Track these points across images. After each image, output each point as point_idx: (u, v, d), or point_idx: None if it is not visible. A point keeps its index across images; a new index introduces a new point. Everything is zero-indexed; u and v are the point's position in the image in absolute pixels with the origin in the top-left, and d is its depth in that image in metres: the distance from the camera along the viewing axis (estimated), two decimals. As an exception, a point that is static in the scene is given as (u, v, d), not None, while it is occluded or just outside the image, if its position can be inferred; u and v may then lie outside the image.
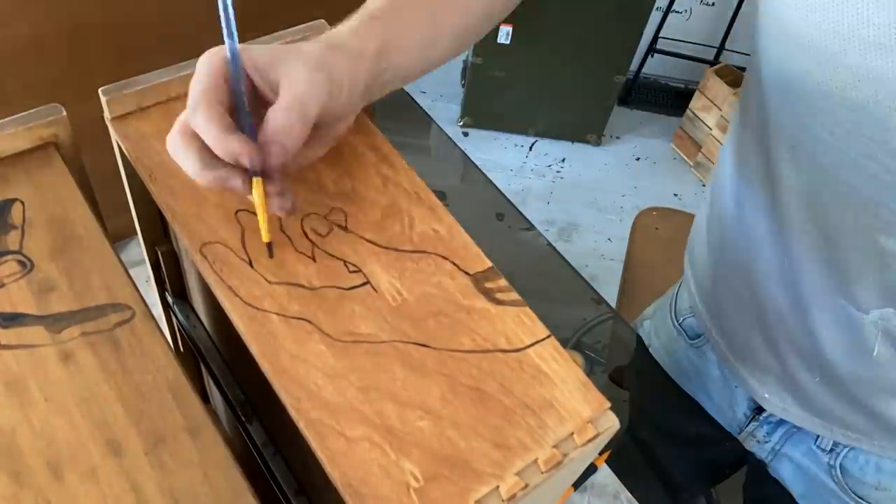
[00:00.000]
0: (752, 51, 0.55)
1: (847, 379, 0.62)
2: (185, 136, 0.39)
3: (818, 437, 0.71)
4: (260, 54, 0.40)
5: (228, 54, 0.39)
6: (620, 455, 0.85)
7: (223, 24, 0.39)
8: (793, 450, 0.74)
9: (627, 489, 0.83)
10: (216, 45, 0.50)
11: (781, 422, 0.73)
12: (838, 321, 0.58)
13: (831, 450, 0.70)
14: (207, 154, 0.39)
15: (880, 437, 0.65)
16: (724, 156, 0.68)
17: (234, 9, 0.40)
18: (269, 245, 0.41)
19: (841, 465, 0.70)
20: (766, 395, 0.70)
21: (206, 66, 0.39)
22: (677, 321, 0.83)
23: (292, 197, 0.42)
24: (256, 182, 0.39)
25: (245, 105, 0.40)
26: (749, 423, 0.76)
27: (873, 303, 0.56)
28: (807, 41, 0.47)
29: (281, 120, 0.38)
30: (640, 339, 0.91)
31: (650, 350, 0.89)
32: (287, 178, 0.42)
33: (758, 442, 0.77)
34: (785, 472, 0.76)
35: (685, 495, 0.94)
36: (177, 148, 0.39)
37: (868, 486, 0.69)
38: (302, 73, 0.39)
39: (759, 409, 0.74)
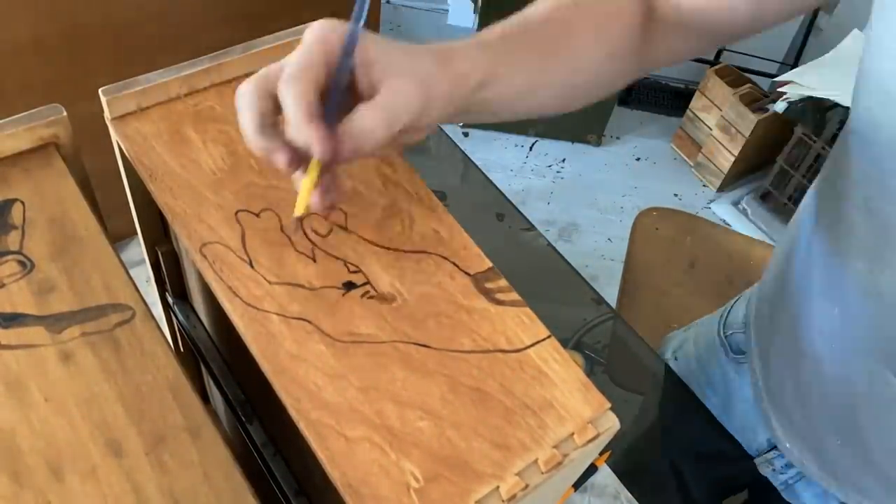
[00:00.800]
0: (853, 109, 0.53)
1: (875, 447, 0.60)
2: (261, 94, 0.37)
3: None
4: (374, 48, 0.38)
5: (347, 40, 0.37)
6: (634, 462, 0.85)
7: (356, 8, 0.37)
8: (805, 490, 0.73)
9: (634, 496, 0.83)
10: (216, 45, 0.50)
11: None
12: (878, 391, 0.56)
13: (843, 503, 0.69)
14: (271, 121, 0.38)
15: (884, 495, 0.64)
16: (810, 194, 0.65)
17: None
18: (300, 219, 0.40)
19: None
20: (788, 445, 0.70)
21: (320, 42, 0.37)
22: (724, 333, 0.81)
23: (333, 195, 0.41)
24: (315, 164, 0.39)
25: (339, 94, 0.38)
26: (770, 450, 0.75)
27: None
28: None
29: (368, 123, 0.37)
30: (657, 353, 0.90)
31: (676, 359, 0.87)
32: (339, 176, 0.41)
33: (773, 470, 0.75)
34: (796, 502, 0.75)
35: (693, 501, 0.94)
36: (246, 100, 0.38)
37: None
38: (404, 86, 0.38)
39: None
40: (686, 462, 0.88)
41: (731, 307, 0.83)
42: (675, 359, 0.89)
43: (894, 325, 0.53)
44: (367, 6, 0.38)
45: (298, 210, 0.40)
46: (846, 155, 0.54)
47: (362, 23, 0.38)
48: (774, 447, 0.74)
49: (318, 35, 0.37)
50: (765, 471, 0.77)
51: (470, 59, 0.42)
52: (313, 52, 0.37)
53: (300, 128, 0.36)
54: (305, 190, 0.39)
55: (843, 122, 0.52)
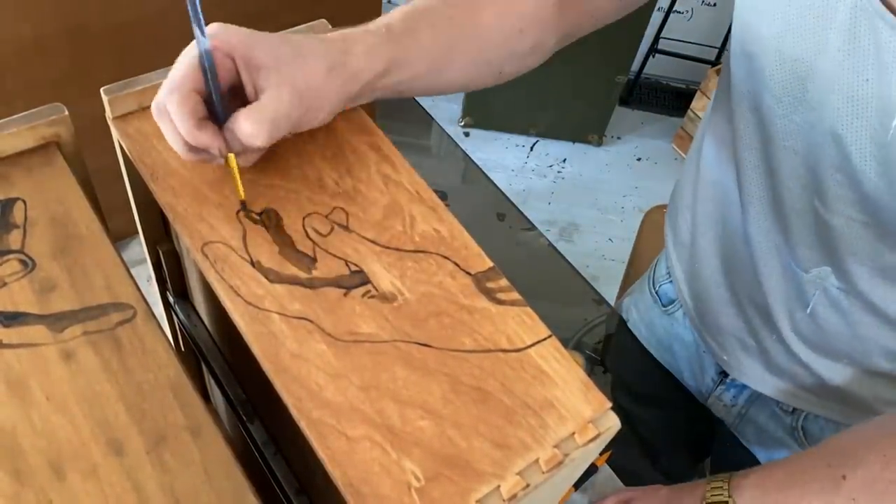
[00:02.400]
0: (732, 21, 0.59)
1: (792, 339, 0.65)
2: (163, 116, 0.41)
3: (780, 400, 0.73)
4: (261, 54, 0.41)
5: (199, 51, 0.40)
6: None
7: (193, 22, 0.40)
8: (757, 413, 0.77)
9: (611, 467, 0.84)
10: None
11: (746, 386, 0.75)
12: (785, 277, 0.62)
13: (793, 411, 0.73)
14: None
15: (826, 397, 0.68)
16: (703, 119, 0.71)
17: (204, 8, 0.40)
18: (244, 202, 0.44)
19: (803, 426, 0.73)
20: (726, 357, 0.74)
21: (187, 55, 0.41)
22: (654, 289, 0.86)
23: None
24: (230, 157, 0.43)
25: (219, 98, 0.42)
26: (716, 387, 0.79)
27: (812, 262, 0.59)
28: (765, 8, 0.51)
29: (247, 129, 0.40)
30: (620, 318, 0.94)
31: (628, 325, 0.92)
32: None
33: (724, 406, 0.79)
34: (750, 437, 0.79)
35: (671, 469, 0.96)
36: (160, 123, 0.42)
37: None
38: (285, 96, 0.41)
39: (725, 374, 0.77)
40: (648, 417, 0.92)
41: (655, 265, 0.88)
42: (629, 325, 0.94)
43: (789, 219, 0.59)
44: (198, 7, 0.40)
45: (241, 195, 0.44)
46: (729, 74, 0.60)
47: (203, 31, 0.40)
48: (720, 382, 0.78)
49: (187, 50, 0.41)
50: (717, 410, 0.80)
51: (367, 55, 0.44)
52: (185, 64, 0.41)
53: (192, 134, 0.40)
54: (235, 178, 0.43)
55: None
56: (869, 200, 0.51)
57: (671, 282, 0.83)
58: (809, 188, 0.55)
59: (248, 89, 0.42)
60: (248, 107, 0.41)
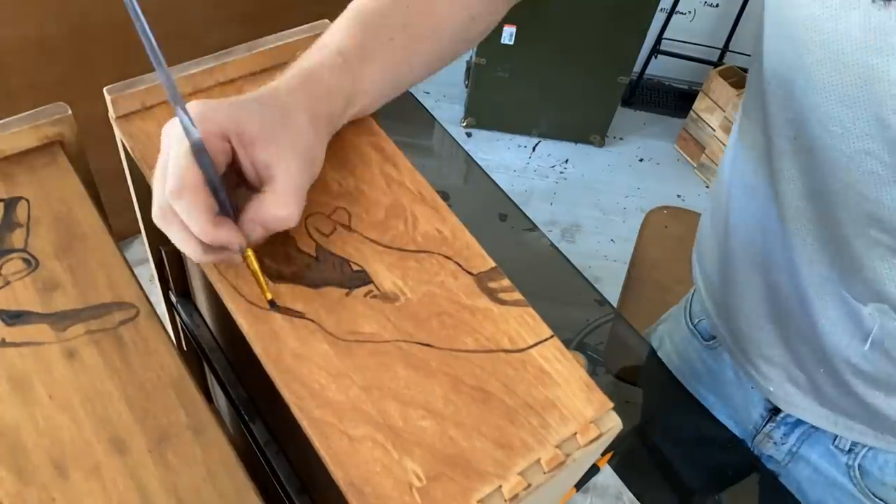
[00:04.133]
0: (755, 47, 0.56)
1: (847, 371, 0.62)
2: (174, 223, 0.38)
3: (836, 437, 0.70)
4: (251, 127, 0.39)
5: (190, 143, 0.37)
6: (631, 459, 0.85)
7: (177, 111, 0.36)
8: (810, 451, 0.73)
9: (634, 495, 0.83)
10: (220, 45, 0.50)
11: (798, 423, 0.72)
12: (838, 310, 0.59)
13: (850, 450, 0.69)
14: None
15: (881, 430, 0.65)
16: (729, 149, 0.68)
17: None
18: (273, 301, 0.40)
19: (860, 465, 0.69)
20: (772, 389, 0.70)
21: (179, 145, 0.37)
22: (692, 323, 0.82)
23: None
24: (250, 256, 0.40)
25: (222, 187, 0.38)
26: (766, 424, 0.75)
27: (869, 295, 0.56)
28: (804, 37, 0.48)
29: (283, 214, 0.38)
30: (650, 347, 0.91)
31: (659, 354, 0.88)
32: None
33: (774, 444, 0.76)
34: (801, 476, 0.75)
35: (695, 500, 0.94)
36: (166, 229, 0.39)
37: (888, 488, 0.68)
38: (294, 166, 0.39)
39: (775, 410, 0.74)
40: (679, 451, 0.89)
41: (692, 298, 0.84)
42: (659, 354, 0.91)
43: (843, 250, 0.55)
44: (179, 94, 0.37)
45: (268, 294, 0.40)
46: (763, 102, 0.56)
47: (190, 119, 0.37)
48: (769, 419, 0.75)
49: (177, 140, 0.37)
50: (766, 448, 0.77)
51: (329, 97, 0.43)
52: (182, 155, 0.37)
53: (209, 234, 0.37)
54: (258, 276, 0.40)
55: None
56: None
57: (707, 318, 0.79)
58: (863, 217, 0.52)
59: (246, 164, 0.39)
60: (269, 193, 0.38)
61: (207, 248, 0.38)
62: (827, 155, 0.51)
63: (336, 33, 0.45)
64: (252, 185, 0.40)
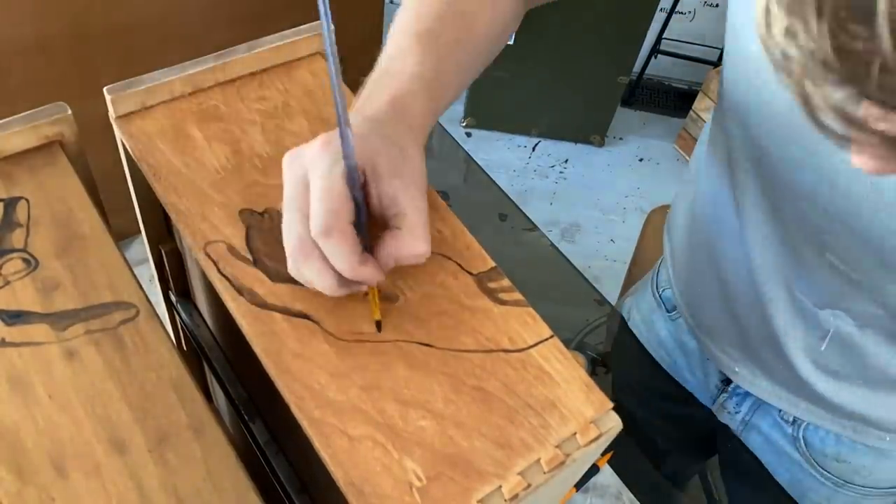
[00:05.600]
0: (722, 73, 0.57)
1: (802, 363, 0.64)
2: (312, 255, 0.37)
3: (781, 409, 0.73)
4: (380, 163, 0.39)
5: (349, 181, 0.37)
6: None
7: (343, 147, 0.36)
8: (760, 421, 0.76)
9: (615, 471, 0.84)
10: (221, 44, 0.50)
11: (748, 394, 0.75)
12: (794, 312, 0.61)
13: (794, 421, 0.72)
14: (338, 274, 0.38)
15: (836, 415, 0.67)
16: (701, 143, 0.70)
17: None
18: (380, 322, 0.40)
19: (804, 436, 0.72)
20: (736, 369, 0.73)
21: (330, 179, 0.37)
22: (657, 292, 0.85)
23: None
24: (373, 292, 0.40)
25: (363, 221, 0.39)
26: (720, 394, 0.78)
27: (826, 302, 0.58)
28: (764, 73, 0.48)
29: (421, 248, 0.39)
30: (622, 318, 0.93)
31: (629, 324, 0.91)
32: None
33: (728, 413, 0.79)
34: (754, 443, 0.78)
35: (673, 468, 0.95)
36: (304, 264, 0.38)
37: (829, 459, 0.71)
38: (419, 200, 0.39)
39: (729, 381, 0.76)
40: (651, 416, 0.91)
41: (658, 268, 0.87)
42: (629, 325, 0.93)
43: (799, 262, 0.57)
44: (351, 144, 0.36)
45: (376, 315, 0.40)
46: (727, 124, 0.58)
47: (354, 161, 0.37)
48: (723, 390, 0.78)
49: (327, 171, 0.37)
50: (722, 416, 0.80)
51: (423, 113, 0.43)
52: (334, 194, 0.36)
53: (356, 273, 0.37)
54: (375, 301, 0.40)
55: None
56: (885, 249, 0.49)
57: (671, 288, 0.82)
58: (819, 244, 0.53)
59: (373, 198, 0.39)
60: (404, 228, 0.38)
61: (344, 282, 0.38)
62: (784, 185, 0.53)
63: (402, 58, 0.45)
64: (375, 217, 0.40)
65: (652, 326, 0.87)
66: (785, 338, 0.63)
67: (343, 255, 0.36)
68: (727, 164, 0.60)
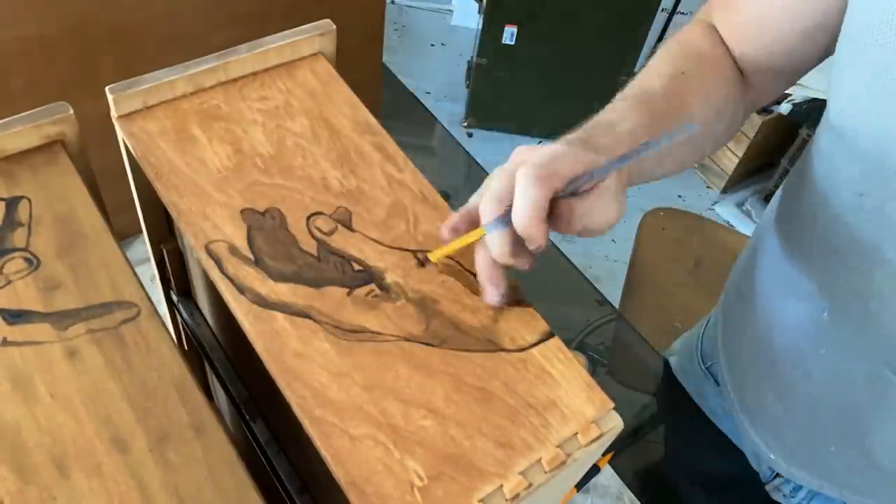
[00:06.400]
0: (829, 102, 0.55)
1: (877, 447, 0.60)
2: (506, 193, 0.39)
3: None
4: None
5: (596, 174, 0.40)
6: (652, 493, 0.83)
7: (629, 151, 0.40)
8: None
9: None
10: (223, 44, 0.50)
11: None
12: (879, 391, 0.57)
13: None
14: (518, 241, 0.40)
15: (887, 493, 0.64)
16: (776, 207, 0.66)
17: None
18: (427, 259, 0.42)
19: None
20: (773, 457, 0.69)
21: (570, 160, 0.40)
22: (704, 365, 0.81)
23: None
24: (480, 231, 0.41)
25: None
26: (774, 477, 0.75)
27: None
28: (860, 145, 0.48)
29: (615, 217, 0.41)
30: (670, 373, 0.89)
31: (684, 387, 0.86)
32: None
33: (783, 496, 0.75)
34: None
35: None
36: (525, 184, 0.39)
37: None
38: (616, 207, 0.42)
39: None
40: (695, 485, 0.87)
41: (702, 336, 0.82)
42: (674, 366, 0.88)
43: (892, 325, 0.53)
44: (636, 156, 0.40)
45: (434, 256, 0.42)
46: (829, 154, 0.55)
47: (620, 166, 0.40)
48: (777, 474, 0.73)
49: (569, 154, 0.40)
50: (778, 497, 0.76)
51: (619, 152, 0.45)
52: (563, 164, 0.39)
53: (532, 224, 0.38)
54: (461, 242, 0.41)
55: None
56: None
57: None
58: None
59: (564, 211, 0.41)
60: (609, 190, 0.41)
61: (515, 242, 0.40)
62: (890, 222, 0.49)
63: (622, 112, 0.48)
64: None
65: (704, 396, 0.82)
66: (871, 430, 0.59)
67: (532, 201, 0.38)
68: (821, 202, 0.56)
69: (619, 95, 0.51)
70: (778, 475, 0.74)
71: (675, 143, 0.50)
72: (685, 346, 0.87)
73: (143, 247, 0.58)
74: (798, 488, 0.73)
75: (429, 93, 2.37)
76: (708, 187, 2.25)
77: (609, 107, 0.49)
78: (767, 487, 0.77)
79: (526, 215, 0.38)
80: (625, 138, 0.45)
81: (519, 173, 0.38)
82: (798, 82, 0.59)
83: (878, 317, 0.54)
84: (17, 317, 0.41)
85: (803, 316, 0.60)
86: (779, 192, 0.66)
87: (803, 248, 0.60)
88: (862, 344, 0.56)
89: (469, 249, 0.43)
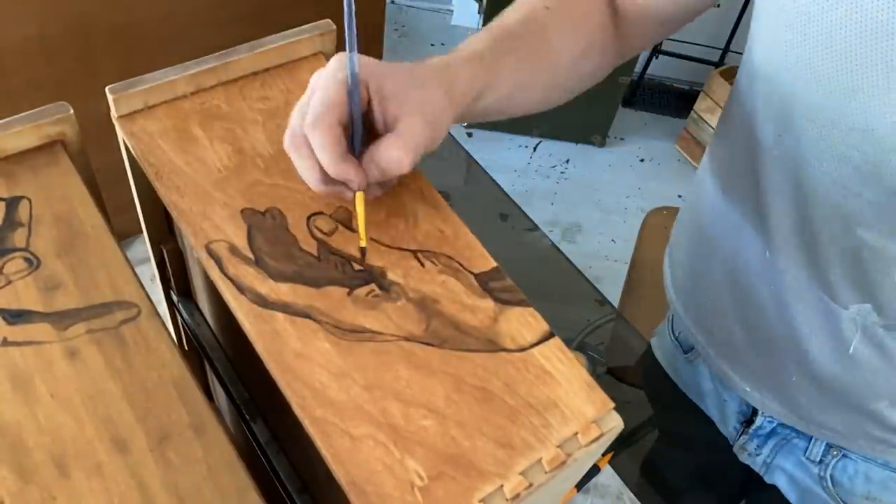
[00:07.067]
0: (748, 43, 0.57)
1: (826, 377, 0.62)
2: (302, 147, 0.41)
3: (807, 448, 0.71)
4: (390, 84, 0.42)
5: (349, 76, 0.41)
6: (621, 459, 0.85)
7: (347, 39, 0.40)
8: (784, 461, 0.75)
9: (633, 492, 0.83)
10: (223, 44, 0.50)
11: (771, 434, 0.73)
12: (818, 315, 0.59)
13: (820, 461, 0.71)
14: (324, 170, 0.41)
15: (860, 438, 0.65)
16: (709, 152, 0.69)
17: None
18: (364, 250, 0.43)
19: (831, 475, 0.70)
20: (748, 389, 0.71)
21: (331, 81, 0.41)
22: (674, 334, 0.83)
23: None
24: (359, 197, 0.42)
25: (360, 126, 0.42)
26: (740, 436, 0.77)
27: (851, 297, 0.56)
28: (796, 28, 0.48)
29: (395, 154, 0.41)
30: (650, 350, 0.91)
31: (660, 362, 0.89)
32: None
33: (749, 455, 0.77)
34: (779, 483, 0.77)
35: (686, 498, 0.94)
36: (294, 154, 0.42)
37: (858, 497, 0.69)
38: (419, 124, 0.42)
39: (748, 423, 0.75)
40: (670, 449, 0.90)
41: (673, 312, 0.84)
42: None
43: (824, 251, 0.55)
44: (356, 37, 0.40)
45: (363, 242, 0.43)
46: (749, 100, 0.57)
47: (356, 56, 0.41)
48: (743, 432, 0.76)
49: (329, 76, 0.41)
50: (743, 458, 0.78)
51: (467, 78, 0.46)
52: (329, 93, 0.40)
53: (336, 166, 0.40)
54: (361, 220, 0.42)
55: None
56: None
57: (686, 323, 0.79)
58: (847, 215, 0.52)
59: (377, 117, 0.43)
60: (391, 135, 0.41)
61: (327, 179, 0.41)
62: (811, 151, 0.51)
63: (470, 44, 0.50)
64: (377, 137, 0.43)
65: (675, 367, 0.85)
66: (808, 346, 0.61)
67: (324, 147, 0.40)
68: (744, 155, 0.59)
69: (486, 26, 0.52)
70: (744, 433, 0.76)
71: (531, 76, 0.52)
72: (663, 324, 0.90)
73: (143, 247, 0.58)
74: (762, 443, 0.75)
75: (429, 93, 2.37)
76: (708, 187, 2.25)
77: (468, 40, 0.50)
78: (735, 449, 0.78)
79: (329, 166, 0.40)
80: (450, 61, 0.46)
81: (305, 128, 0.40)
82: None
83: (814, 250, 0.56)
84: (17, 317, 0.41)
85: (750, 255, 0.62)
86: (714, 138, 0.68)
87: (736, 189, 0.62)
88: (803, 281, 0.58)
89: (461, 242, 0.43)
